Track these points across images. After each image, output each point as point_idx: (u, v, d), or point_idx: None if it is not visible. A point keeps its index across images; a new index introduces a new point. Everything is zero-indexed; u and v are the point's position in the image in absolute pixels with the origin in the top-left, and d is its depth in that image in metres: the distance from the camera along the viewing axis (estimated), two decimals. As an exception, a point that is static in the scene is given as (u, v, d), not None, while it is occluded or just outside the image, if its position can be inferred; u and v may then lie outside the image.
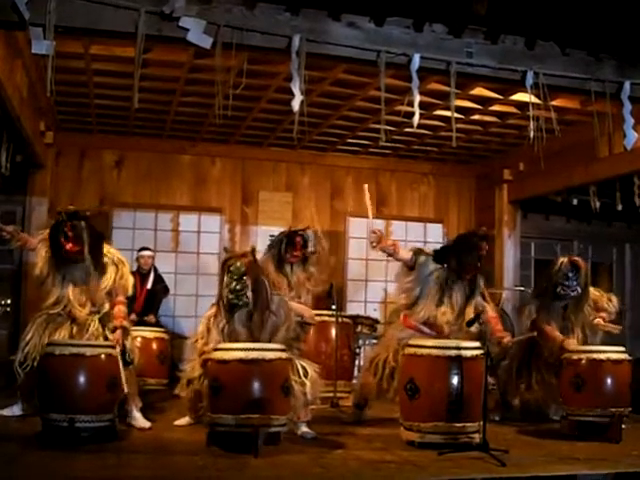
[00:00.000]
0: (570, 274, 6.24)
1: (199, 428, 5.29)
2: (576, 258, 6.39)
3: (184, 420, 5.71)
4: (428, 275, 5.75)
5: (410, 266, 5.79)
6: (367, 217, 5.97)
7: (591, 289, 6.50)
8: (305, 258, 7.21)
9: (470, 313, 5.69)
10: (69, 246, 5.44)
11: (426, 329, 5.74)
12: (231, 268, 5.07)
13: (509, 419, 6.60)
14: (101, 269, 5.61)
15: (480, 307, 5.80)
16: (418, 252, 5.84)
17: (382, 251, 5.81)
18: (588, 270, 6.47)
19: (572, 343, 6.08)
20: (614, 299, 6.54)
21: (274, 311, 5.21)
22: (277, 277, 7.51)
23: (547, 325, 6.26)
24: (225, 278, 5.09)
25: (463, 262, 5.69)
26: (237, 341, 5.01)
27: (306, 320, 5.96)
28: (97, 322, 5.55)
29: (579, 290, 6.28)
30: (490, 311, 5.88)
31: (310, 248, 7.12)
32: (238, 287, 5.05)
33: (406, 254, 5.81)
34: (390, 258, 6.04)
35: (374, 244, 5.75)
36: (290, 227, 7.86)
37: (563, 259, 6.35)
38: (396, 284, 6.07)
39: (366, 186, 6.03)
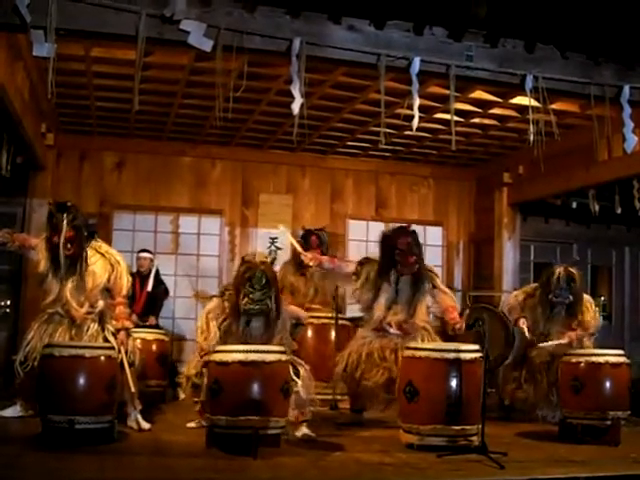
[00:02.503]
0: (564, 284, 6.44)
1: (199, 430, 5.31)
2: (572, 269, 6.60)
3: (196, 422, 5.69)
4: (376, 281, 6.04)
5: (357, 275, 6.15)
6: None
7: (586, 297, 6.70)
8: None
9: (422, 309, 6.04)
10: (54, 239, 5.46)
11: (390, 329, 6.01)
12: (253, 280, 5.13)
13: (507, 419, 6.65)
14: (84, 264, 5.57)
15: (439, 301, 6.08)
16: (363, 262, 6.23)
17: (324, 269, 6.36)
18: (582, 279, 6.79)
19: (523, 323, 6.57)
20: (596, 320, 6.65)
21: (283, 320, 5.30)
22: (295, 280, 7.68)
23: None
24: (245, 288, 5.13)
25: (389, 263, 5.98)
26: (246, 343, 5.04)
27: (300, 321, 6.04)
28: (96, 323, 5.56)
29: (570, 299, 6.57)
30: (449, 301, 6.08)
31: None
32: (260, 296, 5.12)
33: (348, 266, 6.31)
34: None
35: (312, 264, 6.32)
36: (303, 226, 7.97)
37: (560, 269, 6.58)
38: (351, 294, 6.41)
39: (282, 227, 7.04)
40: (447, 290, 6.25)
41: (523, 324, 6.66)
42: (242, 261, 5.45)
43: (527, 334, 6.65)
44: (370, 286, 6.07)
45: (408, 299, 6.00)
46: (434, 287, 6.12)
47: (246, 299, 5.11)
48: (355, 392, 6.19)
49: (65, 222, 5.43)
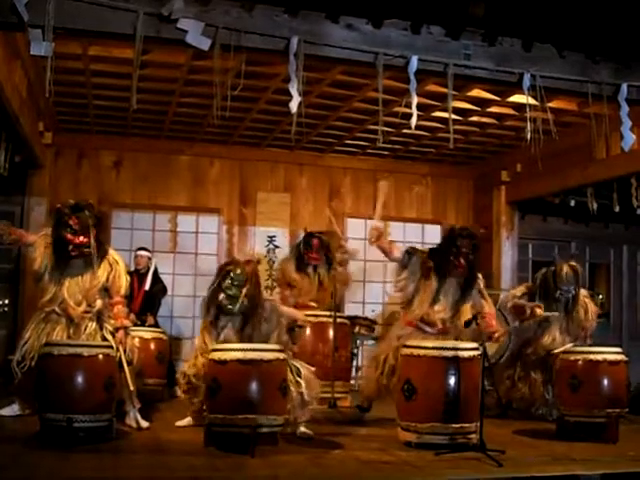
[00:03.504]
0: (572, 280, 6.48)
1: (197, 428, 5.31)
2: (574, 264, 6.62)
3: (185, 421, 5.73)
4: (422, 274, 5.84)
5: (403, 265, 5.90)
6: (372, 216, 6.21)
7: (583, 291, 6.73)
8: (329, 261, 7.44)
9: (466, 311, 5.80)
10: (78, 239, 5.48)
11: (426, 327, 5.81)
12: (232, 274, 5.20)
13: (505, 417, 6.67)
14: (93, 266, 5.61)
15: (478, 305, 5.87)
16: (411, 251, 5.97)
17: (379, 248, 5.98)
18: (582, 273, 6.83)
19: (540, 313, 6.47)
20: (593, 314, 6.68)
21: (266, 317, 5.32)
22: (297, 277, 7.68)
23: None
24: (223, 282, 5.20)
25: (444, 260, 5.79)
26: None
27: (299, 323, 6.01)
28: (94, 322, 5.57)
29: (574, 293, 6.62)
30: (487, 307, 5.92)
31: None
32: (234, 293, 5.19)
33: (399, 253, 5.95)
34: (385, 258, 6.19)
35: (373, 240, 5.91)
36: (305, 228, 8.03)
37: (564, 266, 6.58)
38: (393, 282, 6.16)
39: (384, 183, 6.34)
40: (487, 296, 6.08)
41: (541, 313, 6.54)
42: (230, 258, 5.49)
43: (547, 313, 6.54)
44: (415, 278, 5.87)
45: (453, 299, 5.81)
46: (477, 290, 5.94)
47: (222, 294, 5.19)
48: (382, 395, 6.04)
49: (91, 220, 5.52)
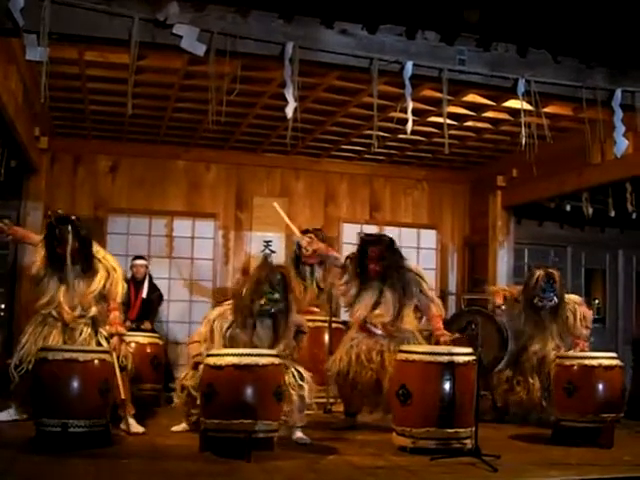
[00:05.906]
0: (546, 286, 6.46)
1: (193, 434, 5.31)
2: (551, 270, 6.61)
3: (181, 426, 5.73)
4: (357, 279, 6.10)
5: (343, 269, 6.18)
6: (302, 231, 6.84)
7: (574, 297, 6.71)
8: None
9: (409, 314, 6.05)
10: (58, 249, 5.55)
11: (373, 328, 6.03)
12: (274, 281, 5.21)
13: (500, 422, 6.67)
14: (90, 272, 5.65)
15: (424, 308, 6.09)
16: (352, 257, 6.22)
17: (319, 255, 6.36)
18: (562, 279, 6.80)
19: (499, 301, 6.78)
20: (588, 318, 6.68)
21: (289, 324, 5.36)
22: (294, 281, 7.71)
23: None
24: (261, 287, 5.19)
25: (359, 266, 6.08)
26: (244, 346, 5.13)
27: (302, 329, 6.03)
28: (89, 327, 5.58)
29: (556, 300, 6.57)
30: (434, 309, 6.08)
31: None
32: (278, 297, 5.20)
33: (337, 256, 6.31)
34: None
35: (309, 248, 6.35)
36: (300, 227, 8.01)
37: (539, 272, 6.60)
38: (336, 286, 6.39)
39: (276, 204, 6.78)
40: (434, 297, 6.24)
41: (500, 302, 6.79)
42: (263, 263, 5.52)
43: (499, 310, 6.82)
44: (355, 283, 6.09)
45: (393, 301, 5.98)
46: (420, 292, 6.11)
47: (264, 299, 5.17)
48: (349, 395, 6.20)
49: (71, 235, 5.54)
